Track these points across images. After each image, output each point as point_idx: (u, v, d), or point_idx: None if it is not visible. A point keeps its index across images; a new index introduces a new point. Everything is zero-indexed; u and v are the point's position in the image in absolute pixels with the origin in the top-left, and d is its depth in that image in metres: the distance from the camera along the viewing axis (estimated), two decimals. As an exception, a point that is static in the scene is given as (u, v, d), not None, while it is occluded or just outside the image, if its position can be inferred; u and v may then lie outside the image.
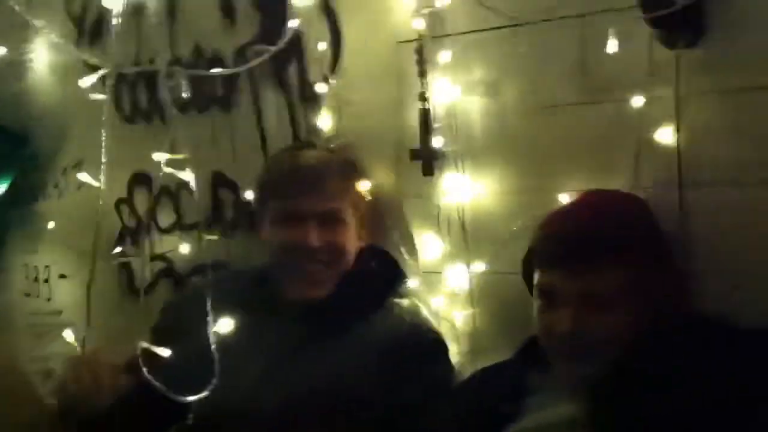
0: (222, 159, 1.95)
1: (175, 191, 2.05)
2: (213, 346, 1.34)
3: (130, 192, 2.10)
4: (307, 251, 1.56)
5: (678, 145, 1.42)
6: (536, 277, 1.35)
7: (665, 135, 1.44)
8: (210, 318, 1.35)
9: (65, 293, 2.24)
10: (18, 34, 2.27)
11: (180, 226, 2.04)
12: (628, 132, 1.48)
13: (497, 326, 1.64)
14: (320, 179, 1.58)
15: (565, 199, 1.52)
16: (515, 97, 1.61)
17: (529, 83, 1.60)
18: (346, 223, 1.59)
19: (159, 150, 1.96)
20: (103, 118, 1.36)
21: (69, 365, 1.47)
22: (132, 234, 2.12)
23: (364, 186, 1.67)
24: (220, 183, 1.97)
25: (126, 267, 2.12)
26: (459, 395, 1.48)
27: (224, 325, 1.39)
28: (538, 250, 1.36)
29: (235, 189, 1.95)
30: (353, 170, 1.66)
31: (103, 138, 1.36)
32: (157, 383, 1.34)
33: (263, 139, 1.91)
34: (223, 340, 1.40)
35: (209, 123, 1.96)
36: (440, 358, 1.56)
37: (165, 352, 1.37)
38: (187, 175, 1.32)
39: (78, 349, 1.44)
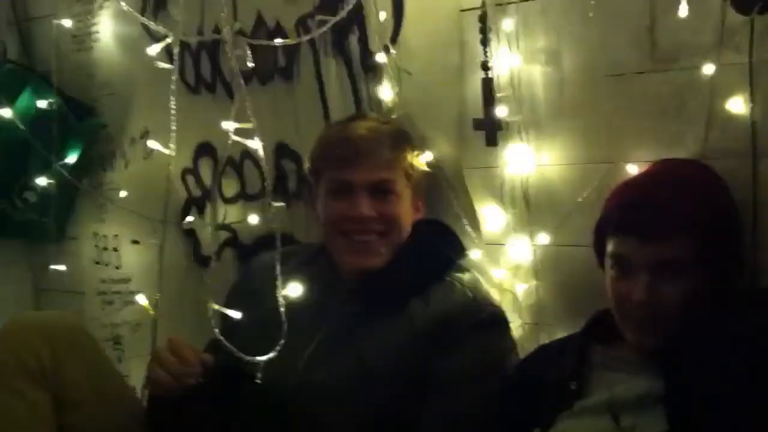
0: (285, 130, 1.96)
1: (238, 162, 2.07)
2: (282, 309, 1.36)
3: (195, 162, 2.13)
4: (359, 221, 1.57)
5: (752, 114, 1.38)
6: (609, 245, 1.34)
7: (737, 104, 1.40)
8: (279, 281, 1.36)
9: (133, 261, 2.30)
10: (82, 5, 2.32)
11: (244, 196, 2.06)
12: (698, 101, 1.44)
13: (560, 299, 1.63)
14: (370, 149, 1.58)
15: (632, 169, 1.49)
16: (580, 66, 1.58)
17: (594, 51, 1.56)
18: (398, 194, 1.59)
19: (222, 120, 2.02)
20: (172, 87, 1.37)
21: (155, 353, 1.52)
22: (197, 203, 2.15)
23: (421, 157, 1.65)
24: (283, 154, 1.98)
25: (192, 236, 2.15)
26: (523, 369, 1.48)
27: (293, 290, 1.41)
28: (612, 217, 1.35)
29: (298, 160, 1.96)
30: (406, 141, 1.64)
31: (173, 106, 1.37)
32: (228, 344, 1.37)
33: (325, 109, 1.91)
34: (286, 310, 1.43)
35: (272, 94, 1.97)
36: (500, 332, 1.55)
37: (236, 314, 1.40)
38: (255, 144, 1.33)
39: (151, 312, 1.47)
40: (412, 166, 1.62)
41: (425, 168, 1.65)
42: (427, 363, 1.48)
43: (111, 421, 1.56)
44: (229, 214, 2.10)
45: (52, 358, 1.51)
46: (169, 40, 1.42)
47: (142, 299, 1.46)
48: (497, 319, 1.55)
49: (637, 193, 1.36)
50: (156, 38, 2.13)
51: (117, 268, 2.33)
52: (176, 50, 1.40)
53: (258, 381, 1.41)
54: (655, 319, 1.29)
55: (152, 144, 1.47)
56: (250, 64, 1.41)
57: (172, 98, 1.37)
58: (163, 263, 2.17)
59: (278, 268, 1.38)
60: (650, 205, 1.31)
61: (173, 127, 1.38)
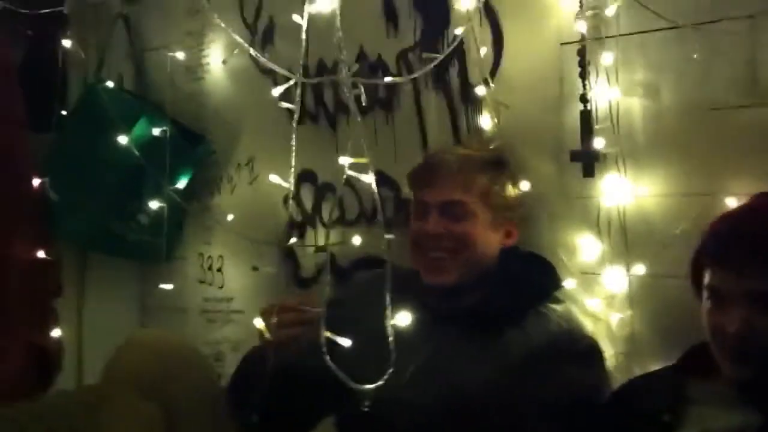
0: (383, 159, 2.03)
1: (337, 189, 2.16)
2: (390, 338, 1.39)
3: (297, 188, 2.22)
4: (430, 238, 1.63)
5: None
6: (706, 276, 1.35)
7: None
8: (389, 309, 1.39)
9: (236, 282, 2.40)
10: (194, 39, 2.45)
11: (343, 222, 2.14)
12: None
13: (655, 330, 1.63)
14: (447, 172, 1.65)
15: (731, 202, 1.50)
16: (679, 99, 1.60)
17: (693, 85, 1.58)
18: (471, 215, 1.63)
19: (324, 149, 2.11)
20: (294, 124, 1.45)
21: (265, 309, 1.56)
22: (298, 227, 2.24)
23: (505, 183, 1.69)
24: (381, 182, 2.04)
25: (292, 258, 2.24)
26: (617, 401, 1.49)
27: (401, 319, 1.43)
28: (709, 248, 1.36)
29: (396, 187, 2.02)
30: (490, 167, 1.68)
31: (293, 143, 1.45)
32: (338, 371, 1.39)
33: (424, 139, 1.98)
34: (385, 334, 1.47)
35: (371, 124, 2.05)
36: (596, 364, 1.57)
37: (346, 342, 1.43)
38: (369, 179, 1.39)
39: (267, 335, 1.53)
40: (493, 190, 1.66)
41: (512, 195, 1.69)
42: (521, 393, 1.50)
43: None
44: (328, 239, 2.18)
45: (164, 375, 1.58)
46: (293, 82, 1.50)
47: (259, 323, 1.53)
48: (593, 351, 1.57)
49: (734, 225, 1.37)
50: (264, 70, 2.26)
51: (220, 287, 2.43)
52: (298, 91, 1.48)
53: (366, 409, 1.44)
54: (751, 351, 1.28)
55: (274, 178, 1.55)
56: (364, 103, 1.48)
57: (293, 136, 1.45)
58: (261, 285, 2.27)
59: (388, 298, 1.40)
60: (746, 236, 1.31)
61: (293, 162, 1.46)
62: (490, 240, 1.65)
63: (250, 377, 1.61)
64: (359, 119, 1.40)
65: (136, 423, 1.55)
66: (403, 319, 1.43)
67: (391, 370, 1.40)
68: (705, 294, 1.36)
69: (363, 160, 1.38)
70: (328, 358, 1.37)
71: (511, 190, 1.70)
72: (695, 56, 1.54)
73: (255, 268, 2.24)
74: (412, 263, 1.69)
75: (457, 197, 1.64)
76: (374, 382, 1.40)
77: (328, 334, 1.39)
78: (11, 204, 2.30)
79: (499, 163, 1.71)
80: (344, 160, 1.39)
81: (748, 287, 1.28)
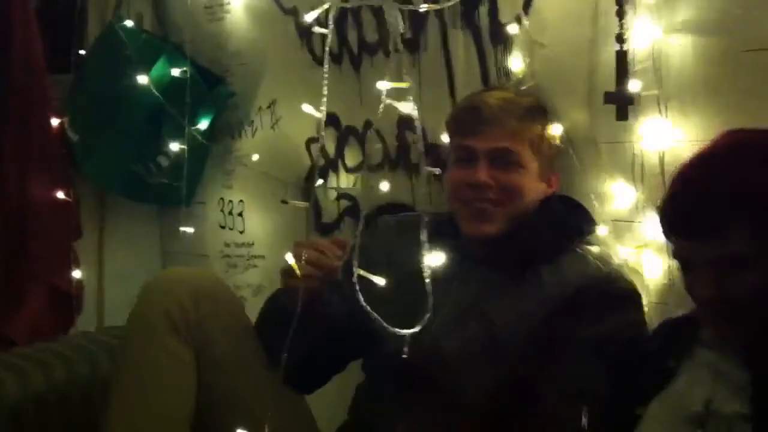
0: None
1: (361, 132, 2.11)
2: (428, 281, 1.36)
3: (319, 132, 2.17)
4: (477, 188, 1.57)
5: None
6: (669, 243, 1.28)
7: None
8: (426, 250, 1.35)
9: (256, 226, 2.38)
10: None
11: (366, 167, 2.09)
12: None
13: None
14: (495, 118, 1.58)
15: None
16: (721, 40, 1.52)
17: (738, 24, 1.50)
18: (520, 165, 1.58)
19: (347, 92, 2.06)
20: (326, 50, 1.39)
21: (297, 246, 1.55)
22: (320, 172, 2.20)
23: (551, 131, 1.64)
24: (405, 125, 2.00)
25: (314, 204, 2.20)
26: (647, 345, 1.45)
27: (434, 259, 1.39)
28: (663, 215, 1.27)
29: (423, 132, 1.96)
30: (537, 114, 1.64)
31: (326, 68, 1.38)
32: (374, 314, 1.37)
33: (451, 81, 1.91)
34: (417, 278, 1.44)
35: (397, 66, 1.98)
36: (634, 307, 1.53)
37: (380, 280, 1.40)
38: (408, 107, 1.33)
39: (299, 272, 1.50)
40: (541, 139, 1.61)
41: (558, 143, 1.64)
42: (557, 331, 1.47)
43: (250, 373, 1.60)
44: (350, 183, 2.14)
45: (196, 313, 1.56)
46: (326, 6, 1.43)
47: (290, 258, 1.50)
48: (631, 294, 1.53)
49: (683, 187, 1.25)
50: (286, 10, 2.21)
51: (241, 232, 2.41)
52: (332, 14, 1.42)
53: (404, 356, 1.41)
54: (727, 312, 1.21)
55: (306, 108, 1.50)
56: (401, 30, 1.41)
57: (325, 65, 1.39)
58: (283, 231, 2.25)
59: (424, 234, 1.36)
60: (696, 204, 1.21)
61: (324, 91, 1.40)
62: (535, 190, 1.61)
63: (276, 316, 1.58)
64: (400, 47, 1.32)
65: (164, 363, 1.54)
66: (437, 260, 1.38)
67: (428, 315, 1.36)
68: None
69: (404, 84, 1.32)
70: (362, 300, 1.34)
71: (556, 139, 1.65)
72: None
73: (284, 201, 2.19)
74: (453, 209, 1.65)
75: (508, 145, 1.57)
76: (405, 327, 1.37)
77: (362, 272, 1.35)
78: (31, 145, 2.29)
79: (544, 111, 1.66)
80: (382, 85, 1.32)
81: (708, 255, 1.19)
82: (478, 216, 1.58)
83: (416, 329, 1.37)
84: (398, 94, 1.33)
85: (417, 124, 1.34)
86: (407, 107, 1.33)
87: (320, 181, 2.10)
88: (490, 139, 1.58)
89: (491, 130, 1.58)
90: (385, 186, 1.91)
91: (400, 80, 1.91)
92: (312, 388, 1.73)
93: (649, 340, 1.44)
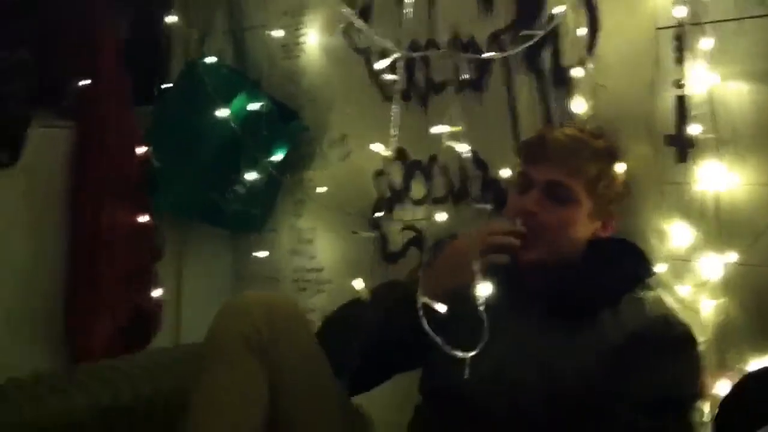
0: (473, 139, 2.04)
1: (426, 165, 2.20)
2: (482, 307, 1.45)
3: (387, 165, 2.27)
4: (524, 214, 1.63)
5: None
6: None
7: None
8: (479, 278, 1.44)
9: (326, 253, 2.47)
10: (292, 18, 2.51)
11: (431, 199, 2.17)
12: None
13: (747, 319, 1.63)
14: (557, 152, 1.64)
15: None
16: (776, 87, 1.58)
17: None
18: (572, 199, 1.63)
19: (414, 127, 2.15)
20: (395, 96, 1.50)
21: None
22: (387, 203, 2.29)
23: (613, 173, 1.69)
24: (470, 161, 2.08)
25: (380, 234, 2.30)
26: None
27: (486, 288, 1.47)
28: None
29: (484, 168, 2.05)
30: (601, 155, 1.68)
31: (393, 114, 1.49)
32: (437, 338, 1.45)
33: (514, 120, 2.00)
34: (476, 306, 1.51)
35: (463, 104, 2.07)
36: (691, 351, 1.56)
37: (442, 308, 1.47)
38: (463, 147, 1.43)
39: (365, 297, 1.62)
40: (599, 179, 1.65)
41: (618, 188, 1.69)
42: (614, 378, 1.50)
43: (319, 394, 1.65)
44: (416, 215, 2.23)
45: (271, 335, 1.61)
46: (396, 56, 1.54)
47: (358, 284, 1.61)
48: (688, 338, 1.56)
49: None
50: (358, 50, 2.32)
51: (311, 258, 2.51)
52: (402, 64, 1.53)
53: (466, 377, 1.46)
54: None
55: (376, 147, 1.63)
56: (466, 76, 1.51)
57: (394, 106, 1.50)
58: (350, 260, 2.34)
59: (476, 265, 1.46)
60: None
61: (393, 133, 1.51)
62: (585, 228, 1.65)
63: (344, 327, 1.67)
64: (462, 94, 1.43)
65: (238, 382, 1.59)
66: (487, 289, 1.46)
67: (486, 339, 1.43)
68: None
69: (457, 129, 1.42)
70: (427, 325, 1.41)
71: (618, 184, 1.69)
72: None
73: (354, 232, 2.28)
74: None
75: (561, 178, 1.63)
76: (462, 349, 1.44)
77: (425, 299, 1.44)
78: (119, 172, 2.44)
79: (612, 155, 1.71)
80: (437, 129, 1.42)
81: None
82: (522, 242, 1.63)
83: (474, 352, 1.43)
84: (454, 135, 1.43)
85: (467, 156, 1.43)
86: (463, 148, 1.43)
87: (381, 213, 2.17)
88: (547, 170, 1.64)
89: (550, 163, 1.64)
90: (443, 216, 1.98)
91: (465, 119, 2.03)
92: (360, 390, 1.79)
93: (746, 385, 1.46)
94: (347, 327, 1.69)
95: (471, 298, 1.52)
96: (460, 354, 1.44)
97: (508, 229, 1.63)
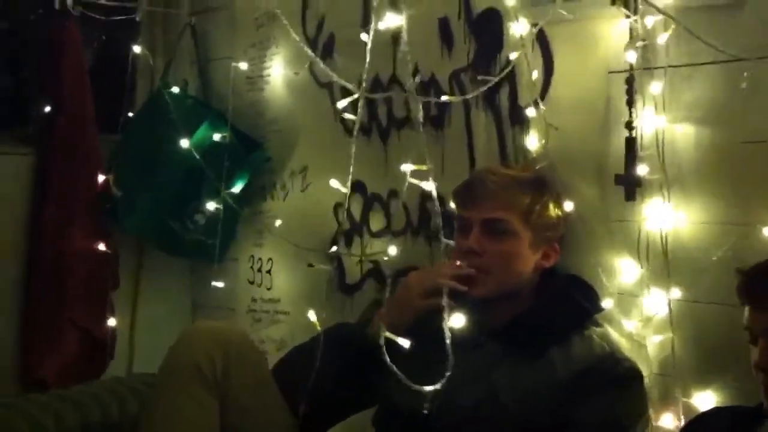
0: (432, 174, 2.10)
1: (385, 199, 2.24)
2: (448, 341, 1.50)
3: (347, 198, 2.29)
4: (467, 253, 1.69)
5: None
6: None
7: None
8: (447, 313, 1.50)
9: (283, 284, 2.49)
10: (257, 50, 2.56)
11: (390, 232, 2.21)
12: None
13: (692, 354, 1.67)
14: (488, 191, 1.71)
15: (768, 233, 1.54)
16: (724, 131, 1.64)
17: (738, 118, 1.62)
18: (510, 233, 1.68)
19: (374, 162, 2.19)
20: (354, 134, 1.53)
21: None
22: (346, 235, 2.32)
23: (547, 204, 1.74)
24: (428, 195, 2.12)
25: (338, 265, 2.32)
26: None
27: (456, 321, 1.52)
28: (743, 283, 1.38)
29: (442, 202, 2.08)
30: (532, 187, 1.73)
31: (353, 152, 1.53)
32: (398, 372, 1.50)
33: (471, 157, 2.05)
34: (435, 338, 1.55)
35: (422, 140, 2.12)
36: (636, 387, 1.61)
37: (406, 343, 1.52)
38: (429, 186, 1.47)
39: (318, 328, 1.66)
40: (532, 210, 1.70)
41: (553, 216, 1.74)
42: (561, 412, 1.55)
43: (270, 425, 1.70)
44: (374, 247, 2.26)
45: (224, 366, 1.65)
46: (356, 96, 1.59)
47: (312, 316, 1.63)
48: (634, 375, 1.62)
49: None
50: (321, 83, 2.36)
51: (268, 289, 2.52)
52: (361, 103, 1.57)
53: (425, 412, 1.51)
54: None
55: (334, 183, 1.66)
56: (420, 118, 1.57)
57: (353, 146, 1.56)
58: (306, 290, 2.36)
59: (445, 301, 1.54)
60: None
61: (351, 169, 1.56)
62: (528, 258, 1.70)
63: (298, 365, 1.69)
64: (422, 130, 1.48)
65: (192, 415, 1.62)
66: (458, 322, 1.52)
67: (448, 374, 1.49)
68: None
69: (424, 167, 1.46)
70: (388, 360, 1.46)
71: (552, 211, 1.74)
72: (743, 86, 1.58)
73: (310, 265, 2.31)
74: None
75: (497, 215, 1.69)
76: (423, 383, 1.49)
77: (388, 334, 1.47)
78: (77, 198, 2.44)
79: (541, 184, 1.76)
80: (407, 167, 1.46)
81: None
82: (467, 281, 1.68)
83: (437, 386, 1.49)
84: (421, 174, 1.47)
85: (435, 200, 1.46)
86: (428, 186, 1.46)
87: (334, 248, 2.20)
88: (482, 209, 1.70)
89: (484, 203, 1.70)
90: (397, 250, 2.01)
91: (425, 155, 2.07)
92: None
93: (699, 423, 1.51)
94: (301, 369, 1.71)
95: (426, 334, 1.57)
96: (425, 388, 1.50)
97: (456, 272, 1.68)
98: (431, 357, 1.56)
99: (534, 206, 1.70)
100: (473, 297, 1.68)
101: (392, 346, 1.53)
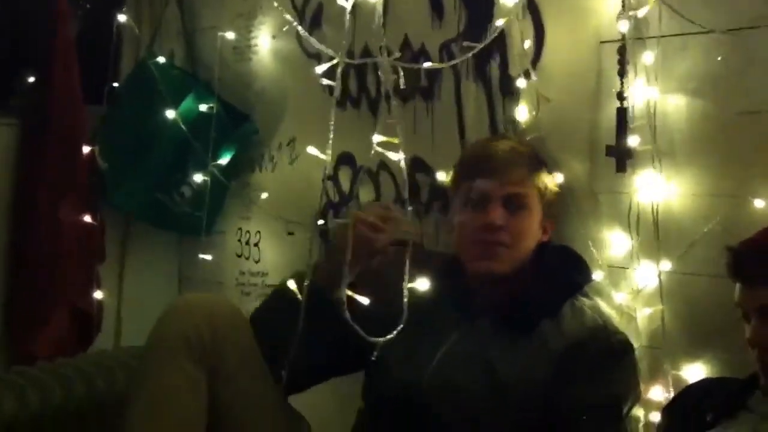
0: (421, 145, 2.08)
1: (375, 172, 2.22)
2: (405, 298, 1.52)
3: (336, 170, 2.28)
4: (491, 230, 1.65)
5: None
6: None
7: None
8: (406, 273, 1.52)
9: (271, 257, 2.47)
10: (245, 20, 2.52)
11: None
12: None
13: (682, 326, 1.67)
14: (509, 165, 1.68)
15: (759, 204, 1.53)
16: (716, 101, 1.63)
17: (731, 88, 1.61)
18: (529, 209, 1.67)
19: (364, 133, 2.17)
20: (334, 102, 1.51)
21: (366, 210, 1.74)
22: (335, 208, 2.30)
23: (552, 179, 1.73)
24: (418, 167, 2.11)
25: (326, 237, 2.30)
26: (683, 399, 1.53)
27: (420, 284, 1.53)
28: (733, 259, 1.36)
29: (432, 174, 2.07)
30: (540, 163, 1.73)
31: (332, 122, 1.51)
32: (353, 324, 1.52)
33: (461, 128, 2.03)
34: (411, 306, 1.56)
35: (412, 111, 2.10)
36: (628, 359, 1.61)
37: (365, 300, 1.55)
38: (396, 157, 1.45)
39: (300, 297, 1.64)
40: (545, 186, 1.71)
41: (558, 190, 1.74)
42: (555, 385, 1.55)
43: (258, 396, 1.68)
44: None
45: (213, 337, 1.63)
46: (335, 61, 1.56)
47: (292, 284, 1.62)
48: (625, 347, 1.61)
49: (754, 244, 1.37)
50: (309, 54, 2.33)
51: (256, 262, 2.51)
52: (339, 70, 1.54)
53: (373, 359, 1.55)
54: None
55: (311, 150, 1.63)
56: (402, 87, 1.55)
57: (332, 111, 1.52)
58: (294, 261, 2.34)
59: (407, 264, 1.54)
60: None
61: (330, 137, 1.53)
62: (536, 234, 1.70)
63: (285, 310, 1.68)
64: (395, 102, 1.47)
65: (180, 387, 1.61)
66: (420, 285, 1.55)
67: (401, 327, 1.52)
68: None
69: (394, 140, 1.45)
70: (347, 314, 1.49)
71: (554, 186, 1.74)
72: (719, 58, 1.58)
73: (290, 233, 2.30)
74: (462, 253, 1.72)
75: (519, 190, 1.67)
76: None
77: (348, 292, 1.50)
78: (63, 171, 2.41)
79: (541, 158, 1.76)
80: (376, 138, 1.45)
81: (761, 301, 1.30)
82: (489, 255, 1.65)
83: (389, 337, 1.53)
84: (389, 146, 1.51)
85: (402, 168, 1.56)
86: (396, 156, 1.49)
87: (321, 222, 2.19)
88: (504, 184, 1.67)
89: (505, 176, 1.67)
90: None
91: (415, 126, 2.06)
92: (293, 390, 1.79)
93: (688, 394, 1.52)
94: (275, 321, 1.72)
95: (412, 302, 1.57)
96: (372, 339, 1.53)
97: (371, 219, 1.68)
98: (392, 314, 1.57)
99: (547, 183, 1.71)
100: (492, 273, 1.65)
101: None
